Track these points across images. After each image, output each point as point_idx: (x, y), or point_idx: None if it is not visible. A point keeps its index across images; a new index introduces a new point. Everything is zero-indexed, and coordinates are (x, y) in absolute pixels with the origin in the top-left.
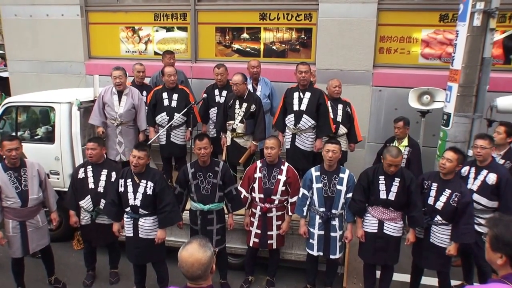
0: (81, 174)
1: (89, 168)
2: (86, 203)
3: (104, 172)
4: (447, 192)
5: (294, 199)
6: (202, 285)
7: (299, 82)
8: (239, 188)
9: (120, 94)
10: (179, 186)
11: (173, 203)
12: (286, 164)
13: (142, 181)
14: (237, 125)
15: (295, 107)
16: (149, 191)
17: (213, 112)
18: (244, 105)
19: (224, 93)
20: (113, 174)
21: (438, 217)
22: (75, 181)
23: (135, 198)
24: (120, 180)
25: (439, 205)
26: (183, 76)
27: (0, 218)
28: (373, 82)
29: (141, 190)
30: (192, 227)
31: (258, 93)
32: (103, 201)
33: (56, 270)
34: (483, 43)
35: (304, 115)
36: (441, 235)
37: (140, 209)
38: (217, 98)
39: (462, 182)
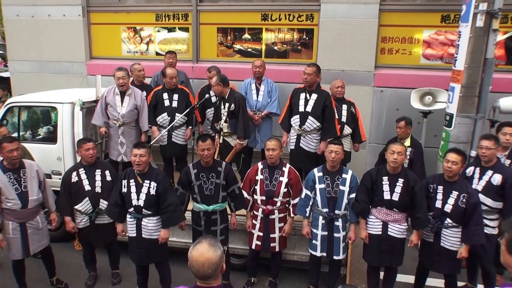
0: (74, 178)
1: (82, 171)
2: (84, 205)
3: (98, 172)
4: (454, 194)
5: (296, 200)
6: (212, 285)
7: (303, 83)
8: None
9: (122, 94)
10: (181, 187)
11: (176, 203)
12: (288, 165)
13: (145, 181)
14: (222, 124)
15: (301, 108)
16: (153, 191)
17: (210, 112)
18: (227, 105)
19: None
20: (107, 173)
21: (448, 220)
22: (68, 186)
23: (138, 199)
24: (123, 181)
25: (448, 207)
26: (184, 77)
27: (0, 220)
28: (375, 82)
29: (144, 190)
30: (195, 228)
31: (261, 92)
32: (102, 201)
33: (58, 270)
34: (485, 44)
35: (310, 117)
36: (451, 238)
37: (143, 210)
38: (213, 99)
39: (467, 182)
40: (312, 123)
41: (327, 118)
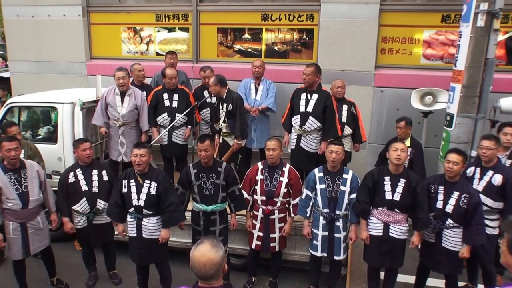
0: (71, 179)
1: (79, 171)
2: (81, 206)
3: (95, 172)
4: (456, 194)
5: (296, 200)
6: (214, 285)
7: (303, 83)
8: None
9: (123, 94)
10: (181, 187)
11: (177, 203)
12: (288, 165)
13: (146, 181)
14: (221, 125)
15: (302, 108)
16: (153, 191)
17: (205, 112)
18: (224, 105)
19: None
20: (104, 173)
21: (450, 221)
22: (65, 186)
23: (138, 199)
24: (123, 181)
25: (449, 208)
26: (184, 77)
27: (0, 220)
28: (375, 82)
29: (144, 190)
30: (195, 228)
31: (259, 92)
32: (99, 201)
33: (58, 270)
34: (486, 43)
35: (310, 117)
36: (453, 238)
37: (143, 210)
38: (208, 99)
39: (468, 183)
40: (312, 123)
41: (328, 118)
